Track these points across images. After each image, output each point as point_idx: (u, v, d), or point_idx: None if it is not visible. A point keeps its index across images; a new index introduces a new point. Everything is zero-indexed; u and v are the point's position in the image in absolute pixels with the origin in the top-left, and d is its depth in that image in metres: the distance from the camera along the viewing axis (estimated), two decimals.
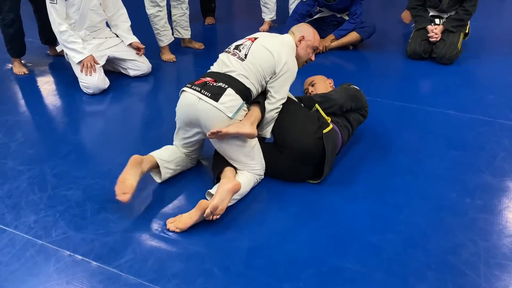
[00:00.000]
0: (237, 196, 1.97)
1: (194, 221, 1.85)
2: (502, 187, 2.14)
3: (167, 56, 3.68)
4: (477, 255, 1.74)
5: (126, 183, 1.90)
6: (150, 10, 3.46)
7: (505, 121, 2.70)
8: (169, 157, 2.12)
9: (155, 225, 1.91)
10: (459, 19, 3.47)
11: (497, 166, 2.28)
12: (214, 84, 1.99)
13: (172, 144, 2.21)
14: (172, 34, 3.72)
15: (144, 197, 2.08)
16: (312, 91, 2.47)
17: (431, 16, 3.61)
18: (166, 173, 2.11)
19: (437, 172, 2.24)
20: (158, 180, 2.13)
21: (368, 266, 1.69)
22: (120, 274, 1.67)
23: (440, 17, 3.58)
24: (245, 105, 2.02)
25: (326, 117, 2.16)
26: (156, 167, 2.09)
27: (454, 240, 1.81)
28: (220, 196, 1.85)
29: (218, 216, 1.85)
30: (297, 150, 2.05)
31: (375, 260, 1.72)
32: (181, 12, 3.74)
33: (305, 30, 2.24)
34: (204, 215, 1.83)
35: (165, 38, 3.60)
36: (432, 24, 3.57)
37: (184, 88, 2.04)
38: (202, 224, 1.89)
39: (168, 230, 1.87)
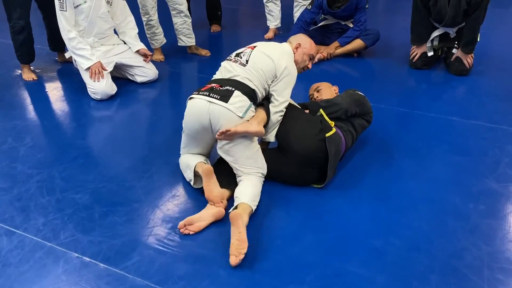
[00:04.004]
0: (254, 202, 1.99)
1: (207, 223, 1.92)
2: (505, 192, 2.15)
3: (157, 56, 3.85)
4: (480, 260, 1.75)
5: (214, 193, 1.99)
6: (142, 17, 3.68)
7: (508, 127, 2.72)
8: (202, 159, 2.19)
9: (162, 228, 1.93)
10: (471, 40, 3.35)
11: (501, 172, 2.30)
12: (221, 88, 2.05)
13: (177, 150, 2.26)
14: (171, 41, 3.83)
15: (151, 200, 2.11)
16: (317, 97, 2.50)
17: (439, 35, 3.54)
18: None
19: (440, 177, 2.26)
20: (196, 186, 2.17)
21: (372, 270, 1.71)
22: (127, 276, 1.70)
23: (447, 34, 3.54)
24: (252, 106, 2.07)
25: (330, 122, 2.19)
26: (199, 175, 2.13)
27: (457, 244, 1.83)
28: (201, 215, 1.92)
29: (189, 232, 1.88)
30: (299, 152, 2.08)
31: (379, 263, 1.74)
32: (181, 21, 3.80)
33: (301, 39, 2.35)
34: (178, 226, 1.90)
35: (155, 42, 3.83)
36: (428, 43, 3.54)
37: (192, 95, 2.09)
38: (208, 227, 1.92)
39: (175, 233, 1.90)
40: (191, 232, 1.89)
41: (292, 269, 1.72)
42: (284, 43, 2.34)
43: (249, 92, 2.07)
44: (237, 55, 2.22)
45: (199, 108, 2.03)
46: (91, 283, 1.67)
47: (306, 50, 2.31)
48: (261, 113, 2.11)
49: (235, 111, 1.99)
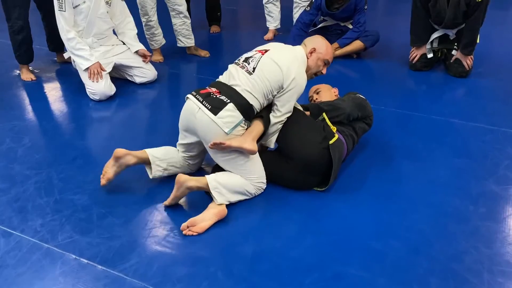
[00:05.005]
0: (222, 189, 1.97)
1: (211, 223, 1.91)
2: (506, 195, 2.14)
3: (156, 57, 3.84)
4: (480, 262, 1.75)
5: (105, 176, 2.12)
6: (141, 18, 3.67)
7: (508, 129, 2.71)
8: (162, 156, 2.17)
9: (160, 230, 1.92)
10: (471, 41, 3.35)
11: (501, 174, 2.29)
12: (218, 96, 2.01)
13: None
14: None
15: (149, 202, 2.10)
16: (316, 99, 2.49)
17: (439, 37, 3.54)
18: (156, 171, 2.16)
19: (441, 179, 2.25)
20: (150, 176, 2.18)
21: (372, 272, 1.70)
22: (125, 278, 1.69)
23: (446, 36, 3.54)
24: (243, 122, 2.02)
25: (332, 127, 2.17)
26: (148, 163, 2.16)
27: (457, 247, 1.82)
28: (204, 215, 1.91)
29: (193, 233, 1.88)
30: (303, 160, 2.06)
31: (379, 266, 1.73)
32: (181, 21, 3.79)
33: (317, 42, 2.19)
34: (181, 228, 1.89)
35: (154, 43, 3.82)
36: (428, 44, 3.54)
37: (189, 96, 2.07)
38: (208, 229, 1.91)
39: (173, 234, 1.89)
40: (194, 234, 1.87)
41: (291, 271, 1.71)
42: (298, 46, 2.19)
43: (245, 107, 2.00)
44: (246, 59, 2.12)
45: (189, 111, 2.03)
46: (88, 285, 1.66)
47: (321, 55, 2.16)
48: (258, 126, 2.05)
49: (221, 126, 1.95)
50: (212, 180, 1.97)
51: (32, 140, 2.64)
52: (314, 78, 2.28)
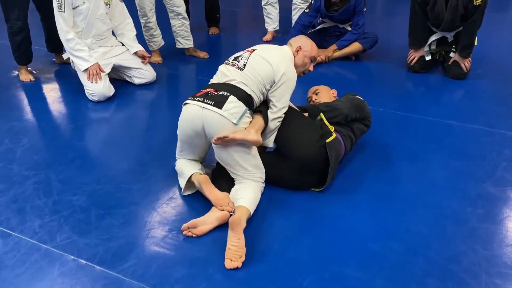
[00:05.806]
0: (253, 206, 1.97)
1: (211, 227, 1.90)
2: (503, 196, 2.15)
3: (155, 58, 3.84)
4: (478, 264, 1.75)
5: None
6: (140, 19, 3.68)
7: (506, 131, 2.72)
8: (197, 168, 2.16)
9: (159, 231, 1.92)
10: (469, 44, 3.36)
11: (499, 176, 2.30)
12: (216, 93, 2.02)
13: (174, 153, 2.25)
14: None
15: (148, 203, 2.10)
16: (315, 100, 2.50)
17: (437, 39, 3.56)
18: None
19: (439, 181, 2.26)
20: (188, 192, 2.16)
21: (370, 273, 1.71)
22: (124, 279, 1.69)
23: (445, 38, 3.55)
24: (248, 111, 2.04)
25: (330, 126, 2.18)
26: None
27: (455, 249, 1.83)
28: (206, 218, 1.91)
29: (192, 235, 1.88)
30: (300, 159, 2.07)
31: (377, 267, 1.74)
32: (179, 23, 3.80)
33: (302, 41, 2.28)
34: (181, 228, 1.89)
35: (153, 44, 3.83)
36: (426, 47, 3.56)
37: (187, 101, 2.07)
38: None
39: (172, 235, 1.89)
40: (194, 235, 1.88)
41: (289, 273, 1.71)
42: (284, 46, 2.28)
43: (245, 97, 2.03)
44: (235, 58, 2.18)
45: (192, 114, 2.01)
46: (87, 286, 1.66)
47: (307, 53, 2.24)
48: (259, 119, 2.07)
49: (229, 118, 1.96)
50: (248, 205, 1.94)
51: (31, 141, 2.64)
52: (302, 76, 2.31)
